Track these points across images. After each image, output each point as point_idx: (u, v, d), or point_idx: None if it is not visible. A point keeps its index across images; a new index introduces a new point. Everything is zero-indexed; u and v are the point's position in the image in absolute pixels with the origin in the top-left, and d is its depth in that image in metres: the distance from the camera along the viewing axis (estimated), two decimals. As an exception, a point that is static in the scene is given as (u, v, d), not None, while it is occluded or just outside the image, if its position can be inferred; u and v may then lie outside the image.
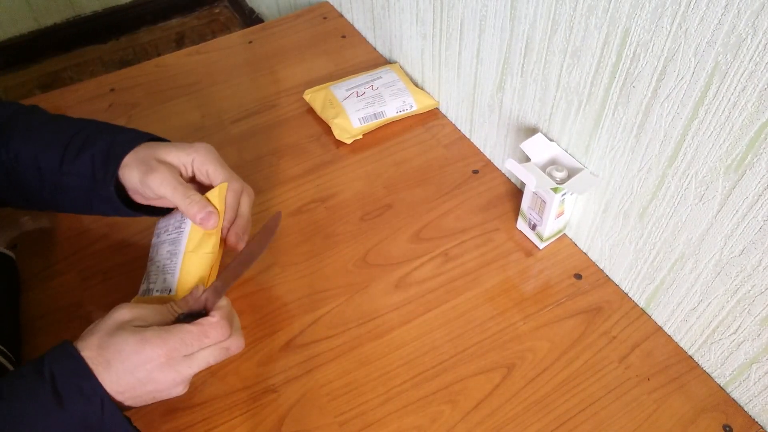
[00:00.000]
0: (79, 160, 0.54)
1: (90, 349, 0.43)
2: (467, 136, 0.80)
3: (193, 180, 0.56)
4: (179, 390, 0.47)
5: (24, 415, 0.41)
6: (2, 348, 0.54)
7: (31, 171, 0.55)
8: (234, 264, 0.53)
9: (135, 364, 0.44)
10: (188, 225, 0.55)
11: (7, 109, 0.58)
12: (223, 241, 0.56)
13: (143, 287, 0.56)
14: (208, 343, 0.46)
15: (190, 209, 0.52)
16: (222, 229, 0.55)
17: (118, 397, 0.44)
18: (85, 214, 0.60)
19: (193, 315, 0.48)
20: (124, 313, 0.46)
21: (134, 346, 0.44)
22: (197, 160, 0.55)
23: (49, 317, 0.62)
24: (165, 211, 0.59)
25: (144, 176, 0.52)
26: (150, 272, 0.56)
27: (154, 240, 0.58)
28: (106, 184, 0.54)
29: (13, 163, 0.55)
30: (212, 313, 0.48)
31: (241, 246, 0.56)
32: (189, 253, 0.54)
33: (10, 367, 0.54)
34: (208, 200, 0.53)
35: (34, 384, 0.42)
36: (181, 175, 0.54)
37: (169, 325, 0.46)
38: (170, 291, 0.53)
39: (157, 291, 0.54)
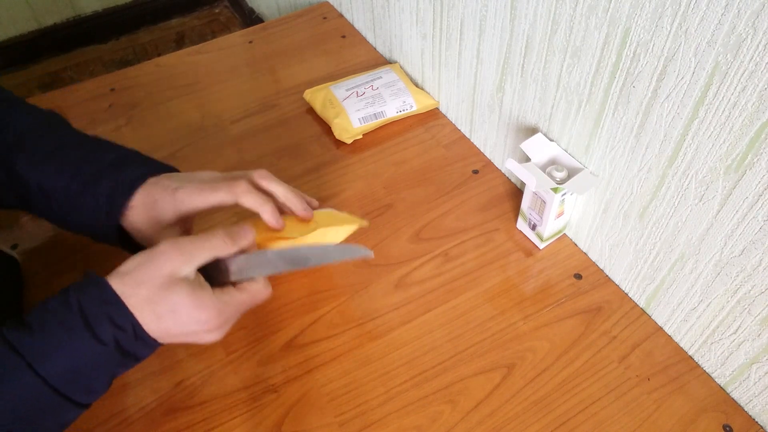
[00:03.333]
0: (84, 198, 0.53)
1: (135, 297, 0.43)
2: (467, 136, 0.80)
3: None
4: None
5: (58, 346, 0.41)
6: None
7: (41, 199, 0.54)
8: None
9: (185, 323, 0.45)
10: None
11: (22, 122, 0.56)
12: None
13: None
14: (255, 305, 0.49)
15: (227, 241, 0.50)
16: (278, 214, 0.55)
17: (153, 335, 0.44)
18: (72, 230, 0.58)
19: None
20: (176, 265, 0.45)
21: (190, 309, 0.45)
22: (195, 204, 0.52)
23: (49, 317, 0.62)
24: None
25: (174, 239, 0.51)
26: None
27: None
28: (108, 222, 0.53)
29: (24, 189, 0.54)
30: (255, 278, 0.50)
31: (308, 214, 0.56)
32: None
33: None
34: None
35: (65, 314, 0.42)
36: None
37: (222, 289, 0.47)
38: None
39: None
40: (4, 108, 0.56)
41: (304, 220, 0.57)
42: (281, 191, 0.55)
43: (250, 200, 0.53)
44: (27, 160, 0.54)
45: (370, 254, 0.54)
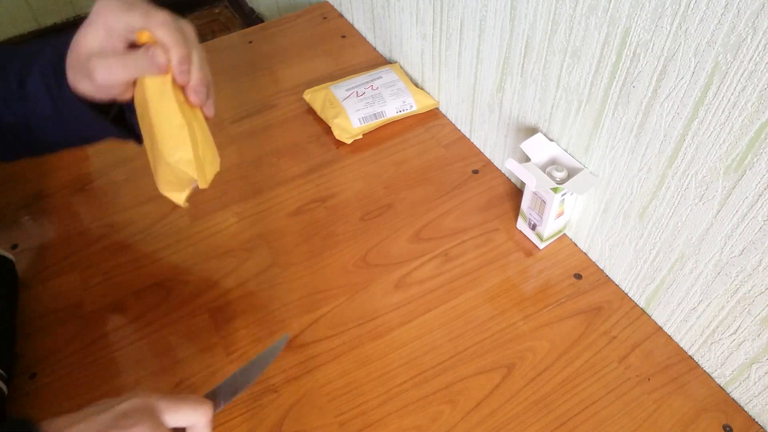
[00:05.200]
0: (31, 80, 0.47)
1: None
2: (467, 136, 0.80)
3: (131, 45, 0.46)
4: None
5: None
6: None
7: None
8: (229, 381, 0.48)
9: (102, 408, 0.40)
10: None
11: None
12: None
13: None
14: None
15: (141, 65, 0.44)
16: (175, 71, 0.45)
17: None
18: (67, 144, 0.53)
19: None
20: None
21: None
22: (107, 25, 0.44)
23: (49, 317, 0.62)
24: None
25: (92, 82, 0.45)
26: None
27: None
28: (62, 91, 0.46)
29: None
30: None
31: (208, 109, 0.48)
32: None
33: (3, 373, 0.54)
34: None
35: None
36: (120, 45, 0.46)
37: None
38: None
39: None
40: None
41: (189, 105, 0.47)
42: (197, 57, 0.47)
43: (166, 33, 0.44)
44: None
45: (286, 337, 0.53)
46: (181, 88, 0.47)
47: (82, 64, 0.45)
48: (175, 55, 0.44)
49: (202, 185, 0.48)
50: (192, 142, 0.46)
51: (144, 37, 0.45)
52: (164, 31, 0.44)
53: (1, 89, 0.48)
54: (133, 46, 0.46)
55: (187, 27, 0.47)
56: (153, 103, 0.46)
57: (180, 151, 0.46)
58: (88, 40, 0.45)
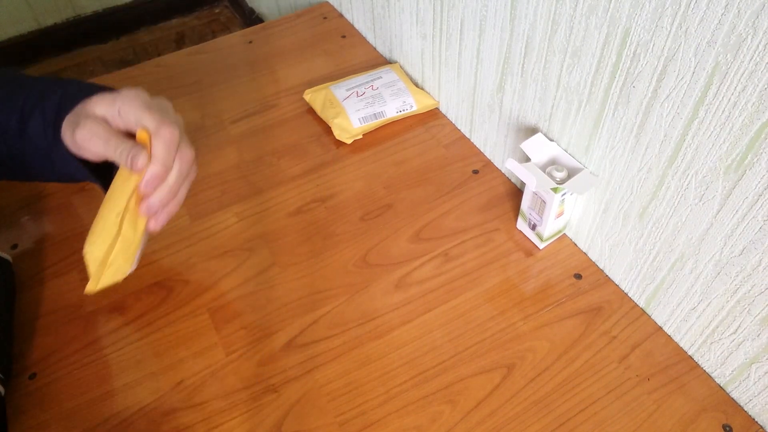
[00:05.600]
0: (32, 120, 0.50)
1: None
2: (467, 136, 0.80)
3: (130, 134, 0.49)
4: None
5: None
6: None
7: None
8: None
9: None
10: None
11: None
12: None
13: None
14: None
15: (121, 156, 0.46)
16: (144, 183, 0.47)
17: None
18: (55, 179, 0.56)
19: None
20: None
21: None
22: (123, 109, 0.47)
23: (49, 317, 0.62)
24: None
25: (72, 135, 0.47)
26: None
27: None
28: (57, 136, 0.49)
29: None
30: None
31: (154, 223, 0.49)
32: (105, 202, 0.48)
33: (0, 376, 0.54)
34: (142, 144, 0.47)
35: None
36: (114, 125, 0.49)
37: None
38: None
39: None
40: None
41: (137, 216, 0.49)
42: (171, 180, 0.48)
43: (161, 149, 0.46)
44: None
45: None
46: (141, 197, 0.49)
47: (77, 118, 0.47)
48: (153, 168, 0.46)
49: (89, 289, 0.50)
50: (109, 244, 0.48)
51: (141, 137, 0.47)
52: (161, 146, 0.46)
53: (1, 123, 0.51)
54: (130, 135, 0.48)
55: (188, 153, 0.49)
56: (113, 188, 0.49)
57: (95, 245, 0.49)
58: (98, 107, 0.48)
